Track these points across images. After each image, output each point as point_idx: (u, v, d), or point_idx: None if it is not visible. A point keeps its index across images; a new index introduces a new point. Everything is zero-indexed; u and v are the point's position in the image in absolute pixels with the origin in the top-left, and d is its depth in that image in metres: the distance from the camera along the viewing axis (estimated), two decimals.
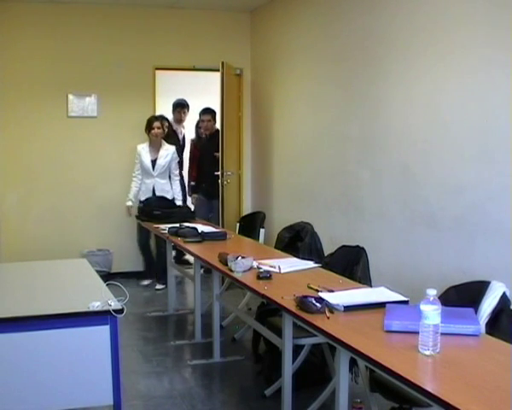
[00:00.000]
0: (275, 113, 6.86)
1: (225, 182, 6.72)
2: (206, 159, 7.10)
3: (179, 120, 7.53)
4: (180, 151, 7.16)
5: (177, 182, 6.63)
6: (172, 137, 7.08)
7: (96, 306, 2.70)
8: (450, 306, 2.65)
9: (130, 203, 6.55)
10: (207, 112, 7.13)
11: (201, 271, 6.56)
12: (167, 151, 6.56)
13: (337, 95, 5.55)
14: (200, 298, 5.13)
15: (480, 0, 3.81)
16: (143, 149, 6.55)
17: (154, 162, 6.52)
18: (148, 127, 6.54)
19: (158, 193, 6.48)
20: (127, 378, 4.07)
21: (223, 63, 6.64)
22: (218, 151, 6.74)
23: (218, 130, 6.89)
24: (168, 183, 6.58)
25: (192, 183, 7.35)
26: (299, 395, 3.42)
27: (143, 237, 6.78)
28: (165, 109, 7.57)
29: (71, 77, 6.88)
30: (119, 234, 6.97)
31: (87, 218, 6.56)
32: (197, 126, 7.48)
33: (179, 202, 6.54)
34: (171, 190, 6.56)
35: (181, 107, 7.48)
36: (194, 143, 7.42)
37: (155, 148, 6.54)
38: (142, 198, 6.51)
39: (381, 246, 4.80)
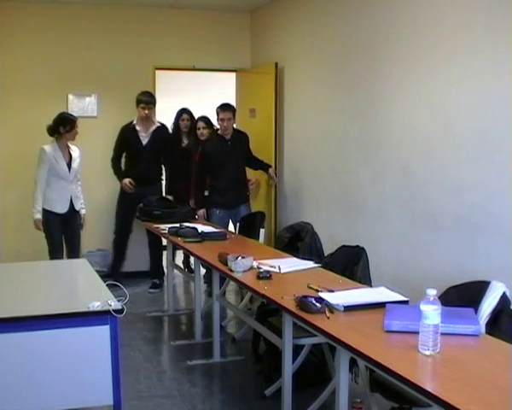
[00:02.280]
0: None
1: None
2: (231, 164, 6.04)
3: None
4: None
5: (80, 188, 5.93)
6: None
7: (96, 306, 2.70)
8: (450, 306, 2.65)
9: (39, 216, 5.61)
10: (227, 109, 5.99)
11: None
12: (77, 153, 5.81)
13: (338, 95, 5.55)
14: (200, 298, 5.13)
15: (480, 4, 3.82)
16: (55, 152, 5.65)
17: (68, 166, 5.73)
18: (71, 126, 5.68)
19: (74, 201, 5.78)
20: (127, 378, 4.07)
21: (276, 64, 6.54)
22: (246, 154, 6.20)
23: (236, 129, 6.28)
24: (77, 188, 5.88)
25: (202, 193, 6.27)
26: (299, 395, 3.42)
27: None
28: (165, 109, 7.55)
29: (71, 77, 6.88)
30: None
31: (87, 218, 6.54)
32: (196, 128, 6.77)
33: (84, 211, 5.95)
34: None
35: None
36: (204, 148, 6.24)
37: (66, 150, 5.75)
38: (58, 209, 5.69)
39: (382, 246, 4.80)
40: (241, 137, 6.22)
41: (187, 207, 6.29)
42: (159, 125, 6.69)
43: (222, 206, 6.03)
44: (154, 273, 6.75)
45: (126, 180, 6.51)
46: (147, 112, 6.47)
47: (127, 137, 6.57)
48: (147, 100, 6.48)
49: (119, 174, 6.63)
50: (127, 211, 6.58)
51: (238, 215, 6.01)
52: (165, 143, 6.70)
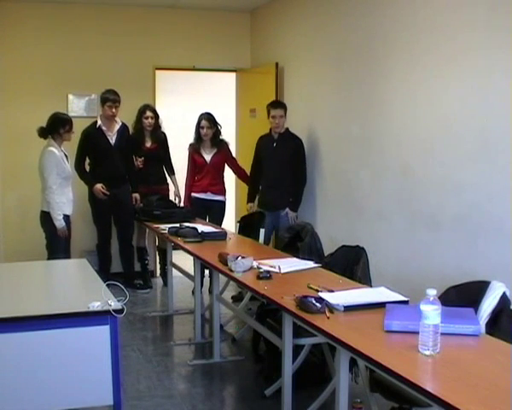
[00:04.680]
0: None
1: None
2: (272, 165, 5.92)
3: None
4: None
5: None
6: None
7: (96, 306, 2.70)
8: (450, 306, 2.65)
9: (64, 223, 5.57)
10: (279, 106, 5.88)
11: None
12: (67, 153, 5.78)
13: (338, 95, 5.55)
14: (200, 298, 5.13)
15: (480, 4, 3.82)
16: (60, 153, 5.57)
17: None
18: (70, 126, 5.64)
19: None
20: (127, 378, 4.07)
21: (276, 64, 6.53)
22: (290, 154, 5.83)
23: (289, 132, 5.97)
24: None
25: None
26: (299, 395, 3.42)
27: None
28: (164, 109, 7.55)
29: (71, 77, 6.88)
30: None
31: (87, 218, 6.55)
32: (199, 127, 6.40)
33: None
34: None
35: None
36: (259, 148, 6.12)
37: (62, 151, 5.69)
38: (67, 211, 5.64)
39: (381, 246, 4.80)
40: (289, 141, 5.89)
41: (187, 208, 6.29)
42: (121, 123, 6.38)
43: (262, 204, 6.00)
44: (131, 278, 6.64)
45: (98, 186, 6.22)
46: (114, 111, 6.18)
47: (94, 139, 6.25)
48: (114, 98, 6.18)
49: (88, 178, 6.32)
50: (106, 215, 6.41)
51: (277, 221, 5.80)
52: (127, 141, 6.48)
